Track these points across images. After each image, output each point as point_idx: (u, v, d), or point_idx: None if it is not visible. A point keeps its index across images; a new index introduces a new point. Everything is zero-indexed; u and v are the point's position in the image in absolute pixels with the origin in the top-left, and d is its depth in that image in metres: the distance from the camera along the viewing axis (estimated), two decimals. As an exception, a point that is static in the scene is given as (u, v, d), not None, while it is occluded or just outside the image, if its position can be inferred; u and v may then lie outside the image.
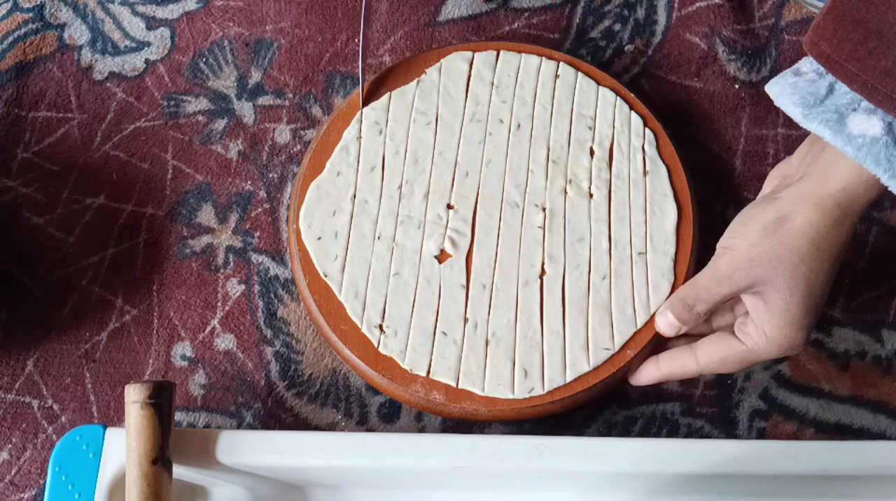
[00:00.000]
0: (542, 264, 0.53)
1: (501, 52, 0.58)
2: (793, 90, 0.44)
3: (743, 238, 0.46)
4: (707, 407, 0.53)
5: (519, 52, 0.59)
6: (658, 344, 0.52)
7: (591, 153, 0.56)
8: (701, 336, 0.50)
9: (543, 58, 0.58)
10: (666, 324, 0.50)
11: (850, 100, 0.43)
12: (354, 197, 0.54)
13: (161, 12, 0.63)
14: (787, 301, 0.45)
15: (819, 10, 0.62)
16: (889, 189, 0.42)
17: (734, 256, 0.46)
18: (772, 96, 0.46)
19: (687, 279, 0.51)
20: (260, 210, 0.58)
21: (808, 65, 0.45)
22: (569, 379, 0.50)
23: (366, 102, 0.57)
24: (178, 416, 0.52)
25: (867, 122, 0.42)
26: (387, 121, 0.56)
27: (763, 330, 0.46)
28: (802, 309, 0.45)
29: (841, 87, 0.43)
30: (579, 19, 0.64)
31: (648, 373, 0.51)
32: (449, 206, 0.54)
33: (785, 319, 0.45)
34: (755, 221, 0.45)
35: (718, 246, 0.47)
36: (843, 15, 0.42)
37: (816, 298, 0.45)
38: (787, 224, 0.44)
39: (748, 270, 0.45)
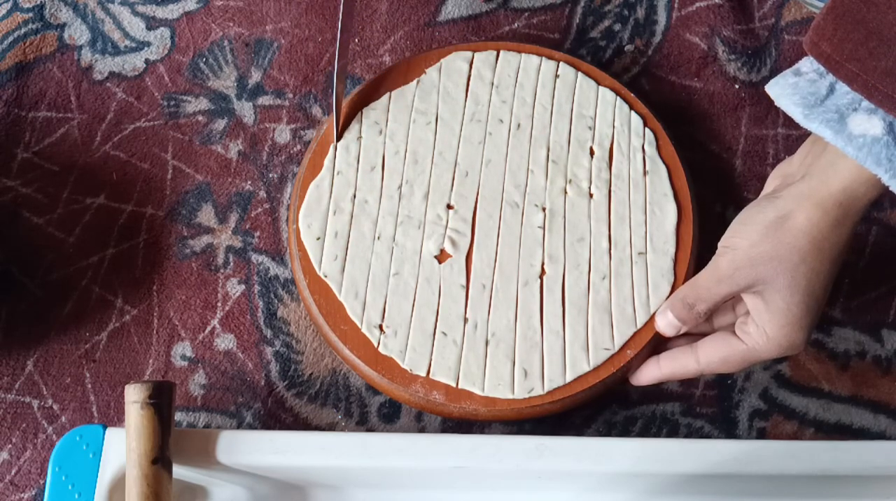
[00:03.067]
0: (542, 264, 0.53)
1: (501, 52, 0.58)
2: (793, 90, 0.44)
3: (743, 237, 0.46)
4: (707, 407, 0.53)
5: (519, 52, 0.58)
6: (658, 344, 0.52)
7: (591, 153, 0.56)
8: (702, 335, 0.50)
9: (543, 58, 0.58)
10: (666, 324, 0.50)
11: (850, 100, 0.43)
12: (354, 197, 0.54)
13: (161, 12, 0.63)
14: (788, 300, 0.45)
15: (819, 10, 0.62)
16: (890, 189, 0.42)
17: (735, 256, 0.46)
18: (772, 96, 0.46)
19: (687, 279, 0.51)
20: (260, 210, 0.58)
21: (808, 65, 0.45)
22: (569, 379, 0.50)
23: (365, 103, 0.57)
24: (178, 416, 0.52)
25: (868, 122, 0.42)
26: (387, 121, 0.56)
27: (763, 329, 0.46)
28: (803, 309, 0.45)
29: (841, 87, 0.43)
30: (579, 19, 0.64)
31: (649, 373, 0.51)
32: (449, 206, 0.54)
33: (785, 319, 0.45)
34: (756, 221, 0.45)
35: (719, 245, 0.47)
36: (843, 15, 0.42)
37: (817, 298, 0.45)
38: (788, 223, 0.44)
39: (749, 269, 0.45)
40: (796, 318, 0.45)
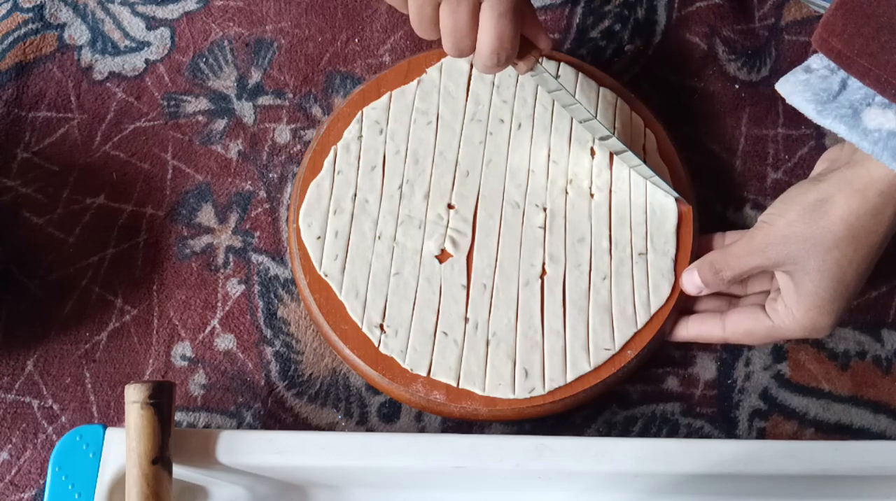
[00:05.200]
0: (543, 264, 0.53)
1: (501, 52, 0.58)
2: (804, 87, 0.44)
3: (781, 214, 0.46)
4: (707, 407, 0.53)
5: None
6: (687, 303, 0.53)
7: (592, 153, 0.56)
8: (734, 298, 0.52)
9: (544, 58, 0.58)
10: (690, 283, 0.51)
11: (863, 94, 0.43)
12: (355, 196, 0.54)
13: (161, 12, 0.63)
14: (817, 284, 0.45)
15: (820, 9, 0.62)
16: None
17: (769, 230, 0.47)
18: (783, 94, 0.46)
19: (687, 279, 0.52)
20: (260, 210, 0.58)
21: (818, 61, 0.45)
22: (569, 379, 0.50)
23: (366, 102, 0.57)
24: (178, 416, 0.51)
25: (883, 117, 0.42)
26: (387, 120, 0.56)
27: (791, 310, 0.47)
28: (831, 294, 0.45)
29: (854, 83, 0.43)
30: (579, 19, 0.64)
31: (677, 332, 0.52)
32: (449, 206, 0.54)
33: (813, 302, 0.45)
34: (796, 201, 0.46)
35: (759, 219, 0.48)
36: (853, 10, 0.42)
37: (848, 284, 0.45)
38: (826, 207, 0.44)
39: (781, 246, 0.46)
40: (824, 302, 0.45)
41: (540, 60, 0.48)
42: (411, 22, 0.45)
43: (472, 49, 0.44)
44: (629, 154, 0.53)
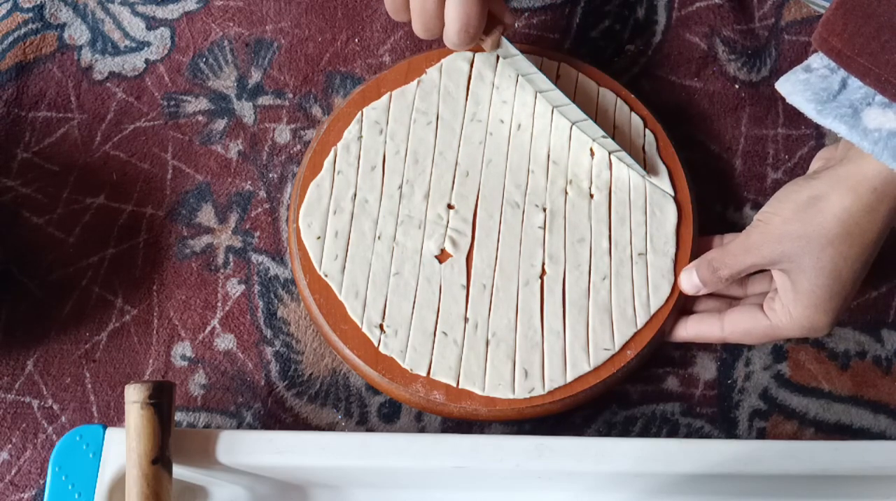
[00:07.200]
0: (543, 264, 0.53)
1: (501, 52, 0.58)
2: (805, 86, 0.44)
3: (776, 213, 0.47)
4: (707, 407, 0.53)
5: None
6: (686, 304, 0.53)
7: (592, 153, 0.56)
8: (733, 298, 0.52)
9: (544, 58, 0.58)
10: (688, 283, 0.51)
11: (864, 94, 0.43)
12: (355, 196, 0.54)
13: (161, 12, 0.63)
14: (813, 282, 0.45)
15: (820, 8, 0.62)
16: None
17: (765, 229, 0.47)
18: (783, 93, 0.46)
19: (687, 279, 0.52)
20: (260, 210, 0.58)
21: (818, 61, 0.45)
22: (569, 379, 0.50)
23: (366, 102, 0.57)
24: (178, 416, 0.51)
25: (883, 116, 0.42)
26: (387, 120, 0.56)
27: (788, 308, 0.47)
28: (828, 292, 0.45)
29: (854, 82, 0.43)
30: (579, 19, 0.64)
31: (675, 332, 0.52)
32: (449, 206, 0.54)
33: (809, 300, 0.46)
34: (790, 199, 0.46)
35: (755, 218, 0.49)
36: (853, 9, 0.42)
37: (845, 282, 0.45)
38: (820, 205, 0.44)
39: (776, 244, 0.46)
40: (821, 301, 0.45)
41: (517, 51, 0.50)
42: (385, 5, 0.49)
43: (441, 29, 0.48)
44: (624, 153, 0.53)
